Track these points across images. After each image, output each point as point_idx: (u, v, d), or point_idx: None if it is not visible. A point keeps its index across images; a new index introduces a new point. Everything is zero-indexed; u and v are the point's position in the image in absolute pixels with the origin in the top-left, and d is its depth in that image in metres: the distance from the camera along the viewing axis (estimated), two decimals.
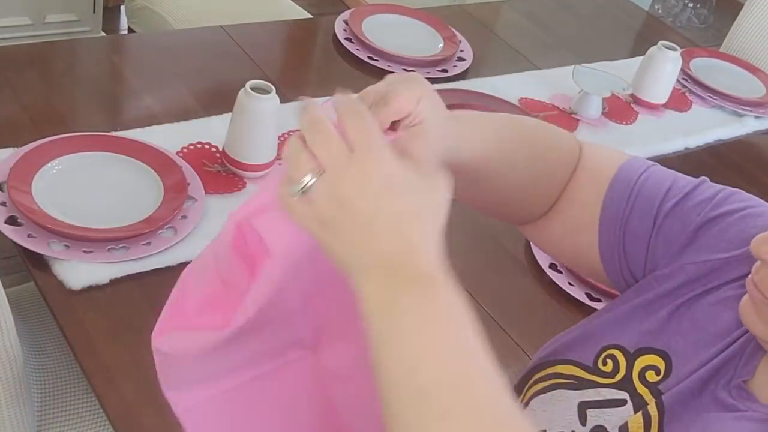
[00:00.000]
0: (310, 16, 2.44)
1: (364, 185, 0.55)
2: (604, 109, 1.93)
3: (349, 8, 2.13)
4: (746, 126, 2.07)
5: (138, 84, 1.64)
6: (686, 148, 1.94)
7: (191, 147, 1.47)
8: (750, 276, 0.71)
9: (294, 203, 0.57)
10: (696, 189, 0.80)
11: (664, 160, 1.86)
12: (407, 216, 0.56)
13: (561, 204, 0.85)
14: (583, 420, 0.77)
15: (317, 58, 1.98)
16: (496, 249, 1.49)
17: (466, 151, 0.74)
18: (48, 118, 1.47)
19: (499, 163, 0.78)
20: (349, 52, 1.90)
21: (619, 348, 0.79)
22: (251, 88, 1.38)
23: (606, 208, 0.80)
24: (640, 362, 0.78)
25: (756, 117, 2.10)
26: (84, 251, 1.22)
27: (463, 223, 1.55)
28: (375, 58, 1.89)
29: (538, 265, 1.44)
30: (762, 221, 0.78)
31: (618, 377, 0.78)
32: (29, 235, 1.21)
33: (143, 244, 1.25)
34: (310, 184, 0.56)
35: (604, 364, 0.79)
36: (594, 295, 1.42)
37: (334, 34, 1.95)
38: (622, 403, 0.77)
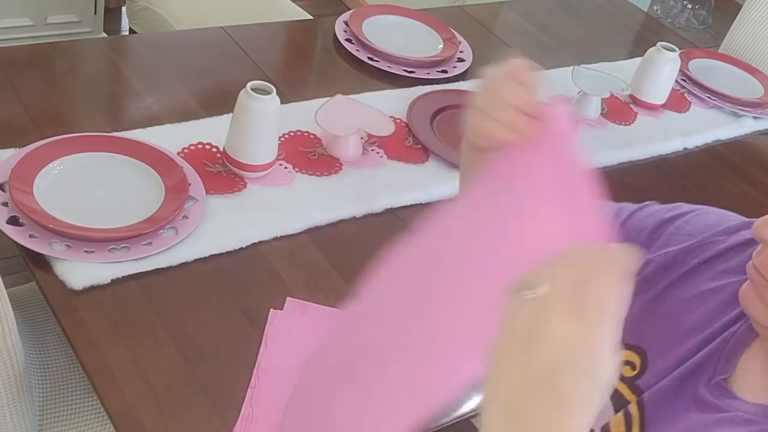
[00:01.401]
0: (311, 17, 2.45)
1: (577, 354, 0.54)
2: (603, 109, 1.94)
3: (349, 9, 2.14)
4: (745, 126, 2.07)
5: (139, 85, 1.64)
6: (685, 149, 1.94)
7: (192, 147, 1.48)
8: (750, 261, 0.73)
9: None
10: (646, 205, 0.89)
11: (663, 161, 1.87)
12: (584, 394, 0.55)
13: None
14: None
15: (317, 59, 1.98)
16: None
17: None
18: (49, 119, 1.48)
19: None
20: (350, 53, 1.90)
21: None
22: (252, 89, 1.39)
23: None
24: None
25: (754, 117, 2.10)
26: (85, 251, 1.22)
27: None
28: (375, 59, 1.90)
29: None
30: (714, 217, 0.84)
31: None
32: (31, 235, 1.22)
33: (144, 244, 1.26)
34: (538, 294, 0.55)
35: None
36: None
37: (335, 35, 1.95)
38: None
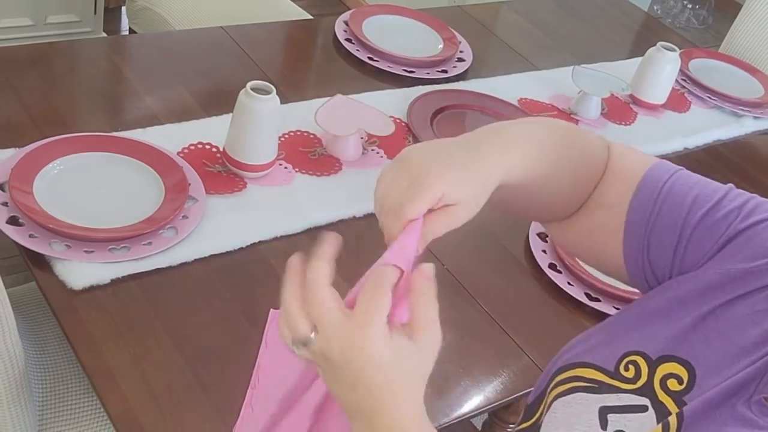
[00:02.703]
0: (311, 17, 2.45)
1: (349, 357, 0.63)
2: (603, 109, 1.94)
3: (349, 9, 2.14)
4: (745, 126, 2.07)
5: (139, 84, 1.64)
6: (685, 149, 1.94)
7: (192, 147, 1.48)
8: None
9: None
10: (724, 198, 0.80)
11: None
12: (387, 389, 0.63)
13: (588, 206, 0.86)
14: (603, 424, 0.77)
15: (317, 59, 1.98)
16: (496, 249, 1.50)
17: (512, 180, 0.77)
18: (49, 119, 1.48)
19: (542, 183, 0.81)
20: (350, 52, 1.90)
21: (641, 354, 0.78)
22: (252, 89, 1.39)
23: (632, 213, 0.81)
24: (662, 369, 0.77)
25: (755, 117, 2.10)
26: (85, 251, 1.22)
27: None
28: (375, 58, 1.89)
29: (538, 265, 1.45)
30: None
31: (639, 383, 0.77)
32: (30, 235, 1.22)
33: (144, 244, 1.26)
34: (309, 340, 0.66)
35: (626, 369, 0.78)
36: (593, 295, 1.42)
37: (335, 34, 1.95)
38: (643, 409, 0.76)
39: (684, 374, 0.76)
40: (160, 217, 1.30)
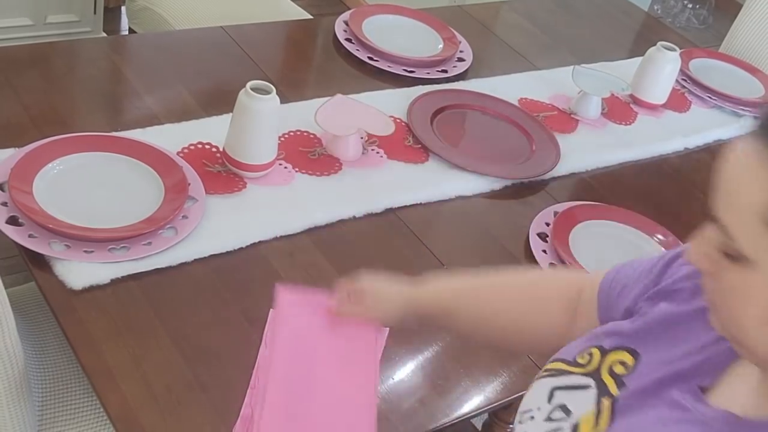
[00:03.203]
0: (311, 17, 2.45)
1: None
2: (603, 109, 1.94)
3: (349, 9, 2.14)
4: (745, 126, 2.07)
5: (139, 84, 1.64)
6: (685, 149, 1.94)
7: (192, 147, 1.48)
8: None
9: None
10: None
11: (664, 161, 1.87)
12: None
13: (573, 330, 0.99)
14: (549, 399, 0.85)
15: (317, 59, 1.98)
16: (496, 249, 1.50)
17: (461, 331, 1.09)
18: (49, 119, 1.48)
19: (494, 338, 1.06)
20: (350, 52, 1.90)
21: (597, 346, 0.86)
22: (251, 89, 1.39)
23: (601, 311, 0.96)
24: (612, 357, 0.84)
25: (755, 117, 2.10)
26: (85, 251, 1.22)
27: (463, 223, 1.55)
28: (375, 58, 1.89)
29: (538, 265, 1.45)
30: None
31: (589, 368, 0.85)
32: (30, 235, 1.22)
33: (144, 244, 1.26)
34: None
35: (582, 358, 0.86)
36: None
37: (335, 34, 1.95)
38: (586, 387, 0.84)
39: (630, 360, 0.83)
40: (160, 217, 1.29)
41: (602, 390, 0.82)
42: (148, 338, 1.16)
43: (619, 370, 0.83)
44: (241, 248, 1.33)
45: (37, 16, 2.72)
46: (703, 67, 2.23)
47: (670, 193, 1.79)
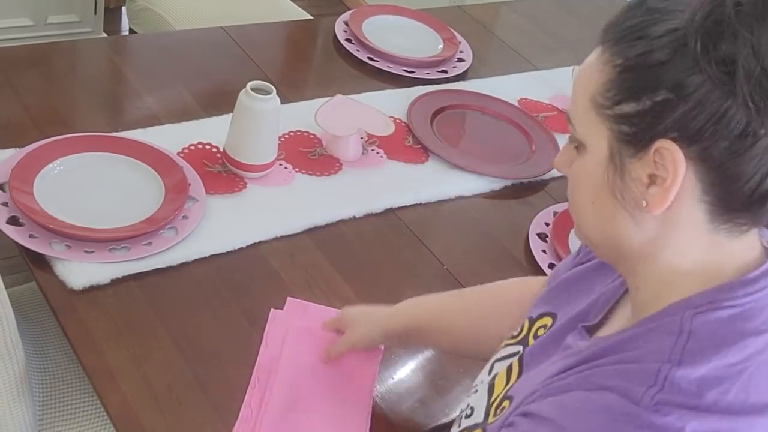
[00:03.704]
0: (311, 17, 2.45)
1: None
2: None
3: (349, 9, 2.14)
4: None
5: (139, 85, 1.64)
6: None
7: (192, 147, 1.48)
8: None
9: None
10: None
11: None
12: None
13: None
14: (489, 371, 0.93)
15: (317, 59, 1.98)
16: (496, 249, 1.50)
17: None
18: (49, 119, 1.48)
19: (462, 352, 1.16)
20: (350, 53, 1.90)
21: (528, 318, 0.95)
22: (252, 89, 1.39)
23: None
24: (538, 323, 0.92)
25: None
26: (85, 251, 1.22)
27: (463, 222, 1.55)
28: (375, 59, 1.90)
29: (538, 264, 1.45)
30: None
31: (520, 336, 0.93)
32: (31, 235, 1.22)
33: (144, 244, 1.26)
34: None
35: (516, 330, 0.95)
36: None
37: (335, 35, 1.95)
38: (515, 354, 0.91)
39: (550, 322, 0.90)
40: (160, 217, 1.30)
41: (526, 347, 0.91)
42: (148, 338, 1.16)
43: (540, 333, 0.90)
44: (241, 248, 1.33)
45: (38, 17, 2.72)
46: None
47: None
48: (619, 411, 0.67)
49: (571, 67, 2.10)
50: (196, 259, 1.28)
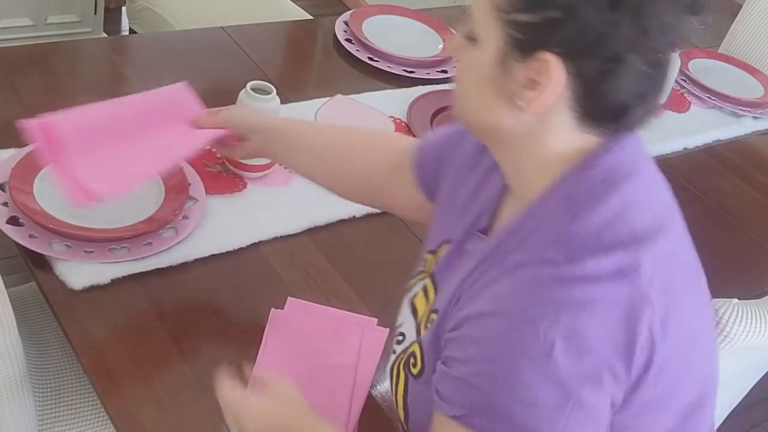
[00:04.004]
0: (311, 17, 2.45)
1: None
2: None
3: (349, 9, 2.14)
4: (744, 126, 2.07)
5: (139, 84, 1.64)
6: (685, 149, 1.94)
7: None
8: None
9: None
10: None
11: (663, 161, 1.87)
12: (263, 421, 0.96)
13: (392, 181, 1.14)
14: (412, 310, 1.01)
15: (317, 59, 1.99)
16: None
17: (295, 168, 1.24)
18: None
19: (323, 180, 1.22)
20: (349, 53, 1.90)
21: (428, 251, 1.02)
22: (252, 89, 1.39)
23: (415, 168, 1.10)
24: (439, 252, 0.99)
25: (754, 117, 2.11)
26: (85, 251, 1.22)
27: None
28: (375, 59, 1.90)
29: None
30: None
31: (427, 270, 1.01)
32: (31, 236, 1.22)
33: (144, 245, 1.26)
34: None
35: (421, 266, 1.03)
36: None
37: (335, 35, 1.95)
38: (424, 286, 0.99)
39: (448, 247, 0.97)
40: (160, 217, 1.30)
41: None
42: (148, 338, 1.16)
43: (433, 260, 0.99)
44: (241, 248, 1.33)
45: (38, 17, 2.72)
46: (703, 68, 2.24)
47: None
48: (544, 278, 0.75)
49: None
50: (196, 259, 1.28)
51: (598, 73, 0.75)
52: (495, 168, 0.92)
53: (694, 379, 0.84)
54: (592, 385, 0.74)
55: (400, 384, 0.94)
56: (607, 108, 0.77)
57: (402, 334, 0.99)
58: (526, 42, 0.76)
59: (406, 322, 0.99)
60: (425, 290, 0.98)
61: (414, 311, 0.98)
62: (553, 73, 0.75)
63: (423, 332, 0.93)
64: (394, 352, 0.99)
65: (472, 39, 0.81)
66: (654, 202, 0.83)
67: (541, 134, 0.80)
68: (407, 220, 1.21)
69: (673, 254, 0.81)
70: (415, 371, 0.91)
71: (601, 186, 0.79)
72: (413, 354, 0.92)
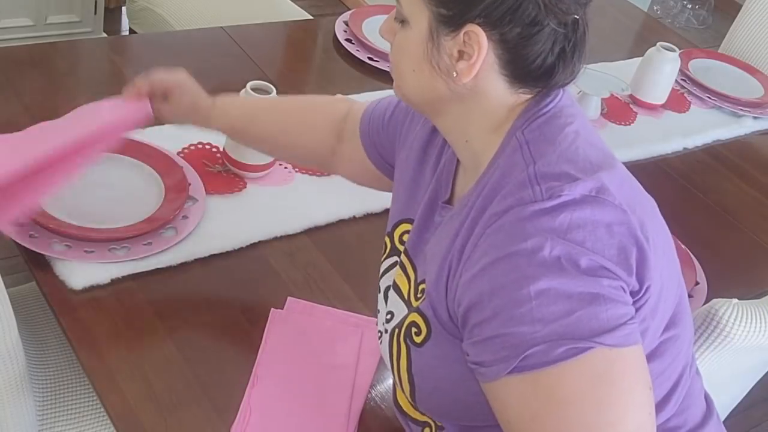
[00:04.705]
0: (311, 17, 2.45)
1: None
2: (603, 109, 1.94)
3: (349, 9, 2.14)
4: (744, 126, 2.07)
5: None
6: (685, 149, 1.94)
7: (192, 147, 1.48)
8: None
9: None
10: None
11: (663, 161, 1.87)
12: None
13: (338, 150, 1.22)
14: (380, 290, 1.07)
15: (317, 59, 1.99)
16: None
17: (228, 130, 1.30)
18: (49, 119, 1.47)
19: (261, 142, 1.27)
20: (349, 52, 1.90)
21: (387, 233, 1.09)
22: (252, 89, 1.39)
23: (362, 137, 1.17)
24: (398, 231, 1.06)
25: (754, 117, 2.11)
26: (85, 251, 1.22)
27: None
28: (375, 58, 1.90)
29: None
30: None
31: (388, 251, 1.08)
32: (31, 235, 1.22)
33: (144, 244, 1.26)
34: None
35: (383, 251, 1.09)
36: None
37: (334, 34, 1.95)
38: (394, 264, 1.05)
39: (410, 225, 1.03)
40: (160, 217, 1.30)
41: (399, 257, 1.03)
42: (148, 338, 1.16)
43: (405, 238, 1.04)
44: (241, 248, 1.33)
45: (38, 17, 2.72)
46: (703, 68, 2.24)
47: (669, 193, 1.79)
48: (528, 214, 0.80)
49: None
50: (196, 259, 1.28)
51: (520, 38, 0.82)
52: (445, 145, 0.99)
53: (671, 295, 0.89)
54: (607, 278, 0.78)
55: (402, 358, 0.95)
56: (533, 69, 0.85)
57: (390, 312, 1.01)
58: (451, 17, 0.84)
59: (391, 301, 1.02)
60: (403, 267, 1.02)
61: (397, 289, 1.02)
62: (479, 43, 0.83)
63: (416, 303, 0.96)
64: (386, 331, 1.01)
65: (402, 22, 0.90)
66: (595, 142, 0.88)
67: (479, 99, 0.88)
68: (375, 191, 1.26)
69: (625, 179, 0.87)
70: (419, 339, 0.93)
71: (548, 129, 0.86)
72: (414, 323, 0.93)
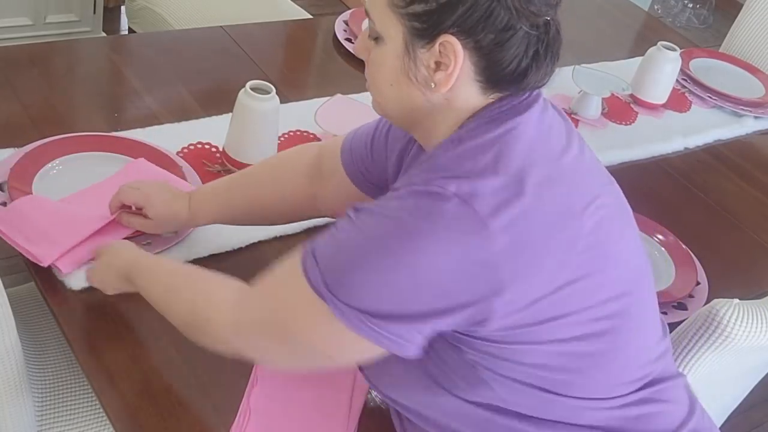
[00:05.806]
0: (310, 17, 2.45)
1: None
2: (603, 109, 1.94)
3: (349, 8, 2.14)
4: (745, 126, 2.07)
5: (138, 84, 1.64)
6: (685, 148, 1.94)
7: (191, 147, 1.48)
8: None
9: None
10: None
11: (664, 160, 1.87)
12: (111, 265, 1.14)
13: (323, 192, 1.21)
14: None
15: (317, 59, 1.98)
16: None
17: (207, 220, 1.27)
18: (48, 119, 1.47)
19: (243, 220, 1.27)
20: (349, 52, 1.90)
21: None
22: (251, 89, 1.39)
23: (346, 167, 1.17)
24: None
25: (755, 117, 2.10)
26: None
27: None
28: None
29: None
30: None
31: None
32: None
33: (144, 244, 1.25)
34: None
35: None
36: None
37: (334, 34, 1.95)
38: None
39: None
40: None
41: None
42: (148, 338, 1.16)
43: None
44: (241, 248, 1.33)
45: (37, 16, 2.72)
46: (704, 67, 2.23)
47: (670, 193, 1.79)
48: (402, 193, 0.86)
49: (572, 66, 2.11)
50: (196, 259, 1.28)
51: (495, 44, 0.85)
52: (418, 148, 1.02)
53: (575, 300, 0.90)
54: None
55: None
56: (507, 73, 0.87)
57: None
58: (425, 29, 0.85)
59: None
60: None
61: None
62: (455, 52, 0.84)
63: None
64: None
65: (377, 39, 0.91)
66: (536, 147, 0.89)
67: (454, 105, 0.90)
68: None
69: (544, 189, 0.87)
70: None
71: (483, 129, 0.88)
72: None
